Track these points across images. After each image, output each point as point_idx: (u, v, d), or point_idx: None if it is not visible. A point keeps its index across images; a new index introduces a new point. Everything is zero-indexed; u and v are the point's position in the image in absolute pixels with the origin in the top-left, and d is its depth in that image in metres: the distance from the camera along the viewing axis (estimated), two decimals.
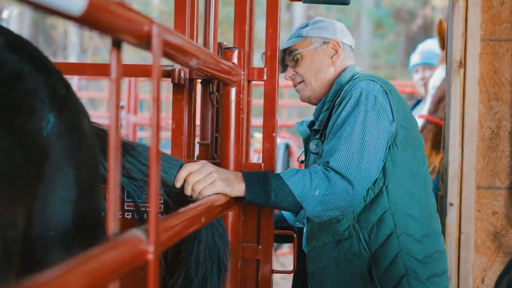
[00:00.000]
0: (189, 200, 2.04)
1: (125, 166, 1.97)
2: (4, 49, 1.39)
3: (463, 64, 2.51)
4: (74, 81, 8.13)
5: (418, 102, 4.78)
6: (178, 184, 2.05)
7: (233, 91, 2.25)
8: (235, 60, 2.25)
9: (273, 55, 2.45)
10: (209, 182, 2.04)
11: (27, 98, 1.37)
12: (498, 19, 2.52)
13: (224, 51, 2.26)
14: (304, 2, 2.67)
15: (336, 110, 2.35)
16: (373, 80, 2.36)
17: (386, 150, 2.31)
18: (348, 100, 2.31)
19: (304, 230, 2.46)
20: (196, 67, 1.69)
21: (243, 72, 2.29)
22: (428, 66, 4.76)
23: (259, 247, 2.41)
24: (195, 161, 2.14)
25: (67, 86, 1.47)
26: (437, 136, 3.69)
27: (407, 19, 18.23)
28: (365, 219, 2.34)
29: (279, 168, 6.44)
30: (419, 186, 2.38)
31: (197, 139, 2.63)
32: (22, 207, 1.31)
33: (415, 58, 4.93)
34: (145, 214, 2.58)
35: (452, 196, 2.53)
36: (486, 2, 2.51)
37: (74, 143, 1.41)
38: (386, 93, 2.34)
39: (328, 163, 2.19)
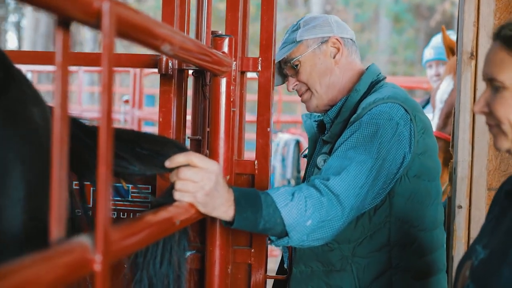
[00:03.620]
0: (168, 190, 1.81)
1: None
2: None
3: (474, 55, 2.32)
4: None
5: (428, 101, 4.59)
6: (168, 164, 1.71)
7: (223, 82, 2.07)
8: (225, 49, 2.08)
9: (268, 44, 2.27)
10: (193, 190, 1.71)
11: None
12: None
13: (214, 39, 2.09)
14: None
15: (351, 125, 2.14)
16: (399, 104, 2.14)
17: (393, 182, 2.12)
18: (367, 121, 2.10)
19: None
20: (172, 54, 1.52)
21: (235, 62, 2.12)
22: (442, 61, 4.57)
23: (252, 250, 2.24)
24: (205, 157, 1.83)
25: (8, 70, 1.31)
26: (447, 153, 3.49)
27: (426, 15, 17.94)
28: (361, 253, 2.17)
29: (289, 165, 6.28)
30: (427, 221, 2.21)
31: (189, 134, 2.47)
32: None
33: (428, 53, 4.74)
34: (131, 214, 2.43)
35: (460, 198, 2.34)
36: None
37: (18, 134, 1.25)
38: (411, 120, 2.13)
39: (328, 180, 1.97)
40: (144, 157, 1.74)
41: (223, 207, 1.80)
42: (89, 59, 2.44)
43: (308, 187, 1.95)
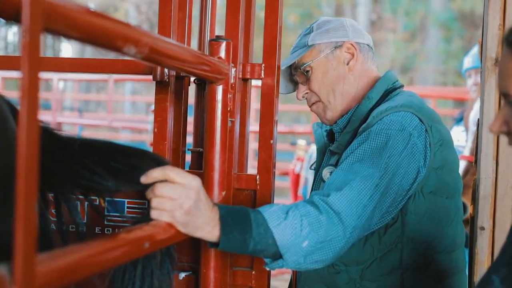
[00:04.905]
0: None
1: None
2: None
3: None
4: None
5: (460, 119, 4.35)
6: (143, 180, 1.54)
7: (219, 90, 1.91)
8: (222, 54, 1.91)
9: (272, 49, 2.10)
10: (170, 209, 1.53)
11: None
12: None
13: (210, 43, 1.93)
14: None
15: (360, 136, 1.96)
16: (413, 113, 1.95)
17: (405, 198, 1.93)
18: (377, 132, 1.91)
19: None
20: (141, 57, 1.36)
21: (234, 69, 1.96)
22: None
23: (253, 273, 2.07)
24: (188, 172, 1.73)
25: None
26: None
27: (476, 23, 17.50)
28: (370, 276, 1.97)
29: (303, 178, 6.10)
30: (445, 242, 2.00)
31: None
32: None
33: (467, 62, 4.51)
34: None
35: (483, 218, 2.13)
36: None
37: None
38: (426, 131, 1.94)
39: (328, 196, 1.78)
40: (119, 172, 1.59)
41: (207, 227, 1.62)
42: (11, 63, 2.26)
43: (306, 204, 1.77)
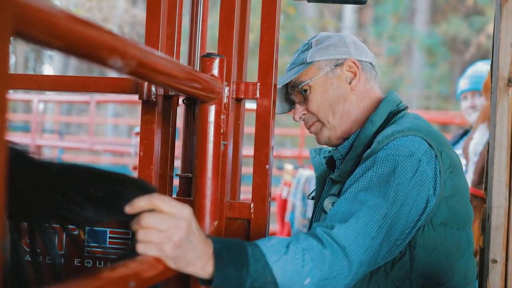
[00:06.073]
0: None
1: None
2: None
3: None
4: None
5: (466, 132, 4.21)
6: (128, 209, 1.37)
7: (211, 110, 1.75)
8: (215, 71, 1.75)
9: (268, 67, 1.95)
10: (158, 241, 1.36)
11: None
12: None
13: (201, 59, 1.77)
14: (309, 2, 2.17)
15: (364, 162, 1.81)
16: (421, 137, 1.80)
17: (413, 230, 1.77)
18: (383, 158, 1.76)
19: None
20: (128, 71, 1.20)
21: (227, 88, 1.80)
22: (478, 92, 4.21)
23: None
24: (177, 200, 1.55)
25: None
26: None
27: (461, 48, 17.52)
28: None
29: (310, 203, 5.93)
30: (456, 278, 1.85)
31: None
32: None
33: (463, 83, 4.39)
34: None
35: (495, 250, 1.97)
36: None
37: None
38: (436, 156, 1.79)
39: (332, 229, 1.62)
40: (100, 200, 1.41)
41: (199, 262, 1.45)
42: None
43: (308, 237, 1.60)
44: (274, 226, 6.57)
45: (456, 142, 4.17)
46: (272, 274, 1.52)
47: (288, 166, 6.29)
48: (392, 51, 17.35)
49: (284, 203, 6.07)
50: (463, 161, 3.70)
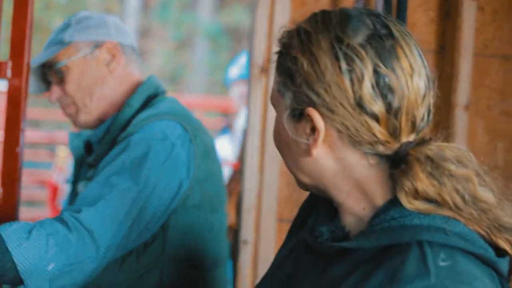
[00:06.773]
0: None
1: None
2: None
3: (266, 70, 2.05)
4: None
5: (225, 129, 4.35)
6: None
7: None
8: None
9: (21, 46, 1.85)
10: None
11: None
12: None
13: None
14: None
15: (118, 145, 1.77)
16: (177, 121, 1.80)
17: (166, 213, 1.77)
18: (137, 141, 1.74)
19: None
20: None
21: None
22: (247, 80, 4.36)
23: None
24: None
25: None
26: None
27: (243, 37, 18.07)
28: None
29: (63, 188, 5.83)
30: (208, 259, 1.88)
31: None
32: None
33: (234, 72, 4.52)
34: None
35: (247, 232, 2.05)
36: None
37: None
38: (191, 140, 1.80)
39: (79, 212, 1.58)
40: None
41: None
42: None
43: (54, 221, 1.55)
44: (45, 211, 6.38)
45: (226, 129, 4.29)
46: (12, 261, 1.46)
47: (61, 151, 6.11)
48: (177, 37, 17.47)
49: (55, 188, 5.90)
50: (228, 142, 3.84)
